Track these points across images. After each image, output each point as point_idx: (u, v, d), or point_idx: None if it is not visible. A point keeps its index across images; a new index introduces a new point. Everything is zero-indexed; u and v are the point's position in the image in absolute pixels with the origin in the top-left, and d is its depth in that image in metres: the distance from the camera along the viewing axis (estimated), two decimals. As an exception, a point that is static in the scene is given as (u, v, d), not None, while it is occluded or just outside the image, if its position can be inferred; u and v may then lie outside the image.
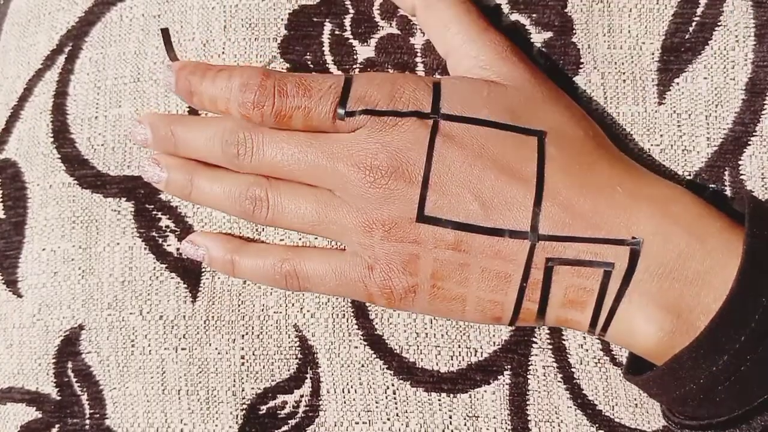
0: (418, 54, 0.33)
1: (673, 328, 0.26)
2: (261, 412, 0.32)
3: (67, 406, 0.33)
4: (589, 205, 0.27)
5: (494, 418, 0.31)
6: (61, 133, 0.34)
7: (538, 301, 0.28)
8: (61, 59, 0.34)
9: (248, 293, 0.32)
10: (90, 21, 0.34)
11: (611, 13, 0.32)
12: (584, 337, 0.32)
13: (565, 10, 0.32)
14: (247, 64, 0.33)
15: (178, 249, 0.33)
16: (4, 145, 0.35)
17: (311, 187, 0.30)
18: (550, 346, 0.32)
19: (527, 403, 0.31)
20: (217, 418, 0.32)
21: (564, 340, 0.32)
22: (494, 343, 0.32)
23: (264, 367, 0.32)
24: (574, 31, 0.32)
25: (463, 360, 0.32)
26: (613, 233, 0.27)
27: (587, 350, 0.31)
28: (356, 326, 0.32)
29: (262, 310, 0.32)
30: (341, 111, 0.28)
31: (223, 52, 0.33)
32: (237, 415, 0.32)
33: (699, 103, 0.32)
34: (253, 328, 0.32)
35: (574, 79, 0.32)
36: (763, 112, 0.32)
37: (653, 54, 0.32)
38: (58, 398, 0.33)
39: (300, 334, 0.32)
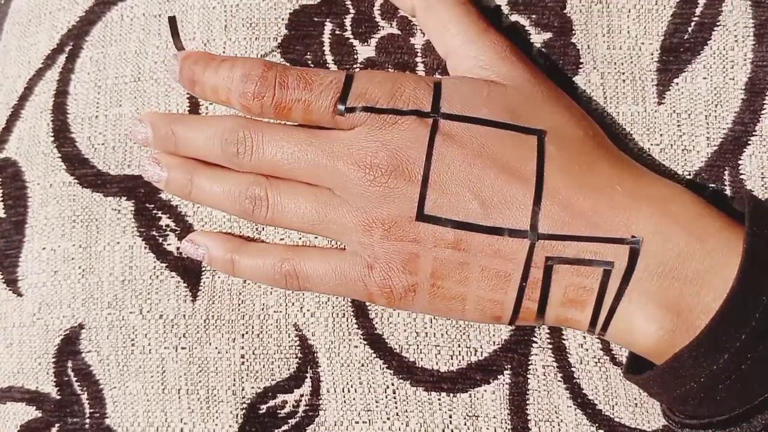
0: (419, 54, 0.33)
1: (673, 327, 0.26)
2: (261, 412, 0.32)
3: (67, 406, 0.32)
4: (589, 204, 0.27)
5: (494, 417, 0.31)
6: (61, 133, 0.34)
7: (538, 300, 0.28)
8: (61, 58, 0.34)
9: (248, 292, 0.32)
10: (91, 20, 0.34)
11: (610, 13, 0.32)
12: (584, 337, 0.32)
13: (565, 11, 0.32)
14: (248, 63, 0.33)
15: (178, 248, 0.33)
16: (4, 144, 0.35)
17: (311, 186, 0.30)
18: (550, 346, 0.32)
19: (527, 402, 0.31)
20: (217, 418, 0.32)
21: (564, 339, 0.32)
22: (494, 342, 0.32)
23: (264, 367, 0.32)
24: (573, 32, 0.32)
25: (463, 359, 0.32)
26: (612, 232, 0.27)
27: (587, 350, 0.31)
28: (356, 325, 0.32)
29: (262, 309, 0.32)
30: (341, 107, 0.29)
31: (223, 52, 0.33)
32: (237, 415, 0.32)
33: (698, 103, 0.32)
34: (253, 328, 0.32)
35: (573, 79, 0.32)
36: (762, 112, 0.32)
37: (652, 54, 0.32)
38: (58, 397, 0.33)
39: (300, 333, 0.32)
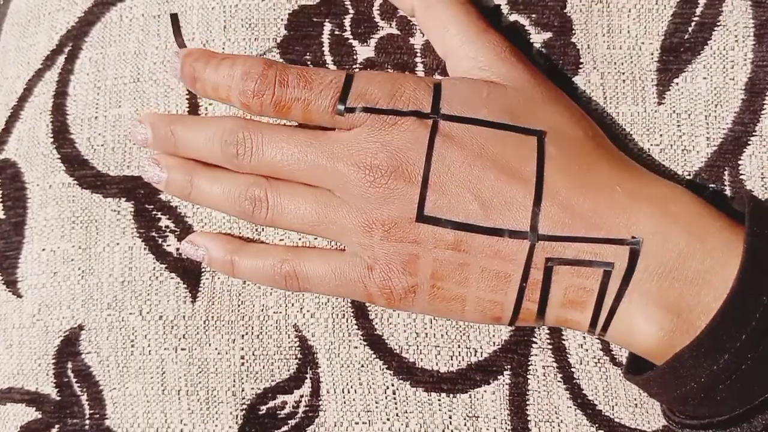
0: (418, 54, 0.33)
1: (674, 327, 0.26)
2: (261, 413, 0.32)
3: (67, 407, 0.32)
4: (589, 204, 0.27)
5: (494, 418, 0.31)
6: (60, 134, 0.34)
7: (538, 301, 0.28)
8: (60, 59, 0.34)
9: (248, 293, 0.32)
10: (90, 21, 0.34)
11: (610, 13, 0.32)
12: (584, 337, 0.32)
13: (565, 11, 0.32)
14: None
15: (177, 249, 0.33)
16: (3, 145, 0.35)
17: (311, 187, 0.30)
18: (550, 346, 0.32)
19: (527, 403, 0.31)
20: (216, 419, 0.32)
21: (564, 340, 0.32)
22: (494, 343, 0.32)
23: (264, 368, 0.32)
24: (573, 32, 0.32)
25: (462, 360, 0.32)
26: (612, 233, 0.27)
27: (587, 350, 0.31)
28: (356, 326, 0.32)
29: (262, 310, 0.32)
30: (341, 107, 0.29)
31: (222, 52, 0.33)
32: (237, 416, 0.32)
33: (698, 103, 0.32)
34: (252, 329, 0.32)
35: (573, 79, 0.32)
36: (762, 112, 0.32)
37: (652, 54, 0.32)
38: (58, 398, 0.33)
39: (300, 334, 0.32)
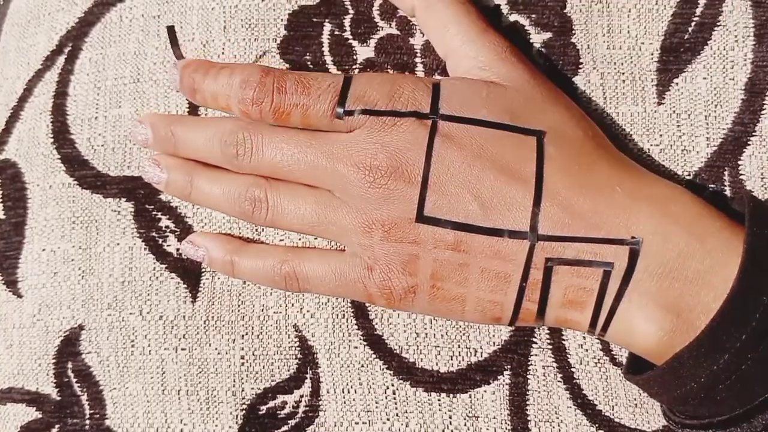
0: (418, 54, 0.33)
1: (673, 327, 0.26)
2: (261, 413, 0.32)
3: (67, 407, 0.32)
4: (589, 205, 0.27)
5: (494, 418, 0.31)
6: (61, 134, 0.34)
7: (538, 302, 0.28)
8: (60, 60, 0.34)
9: (248, 293, 0.32)
10: (90, 21, 0.34)
11: (610, 13, 0.32)
12: (584, 337, 0.32)
13: (565, 11, 0.32)
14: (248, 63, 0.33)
15: (178, 249, 0.33)
16: (4, 145, 0.35)
17: (311, 187, 0.30)
18: (550, 346, 0.32)
19: (527, 403, 0.31)
20: (217, 419, 0.32)
21: (564, 340, 0.32)
22: (494, 343, 0.32)
23: (264, 368, 0.32)
24: (573, 32, 0.32)
25: (462, 360, 0.32)
26: (612, 233, 0.27)
27: (587, 350, 0.31)
28: (356, 326, 0.32)
29: (262, 310, 0.32)
30: (339, 110, 0.29)
31: (222, 53, 0.33)
32: (237, 416, 0.32)
33: (698, 103, 0.32)
34: (252, 329, 0.32)
35: (573, 79, 0.32)
36: (762, 112, 0.32)
37: (652, 54, 0.32)
38: (58, 398, 0.33)
39: (300, 334, 0.32)
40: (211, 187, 0.31)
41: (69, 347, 0.33)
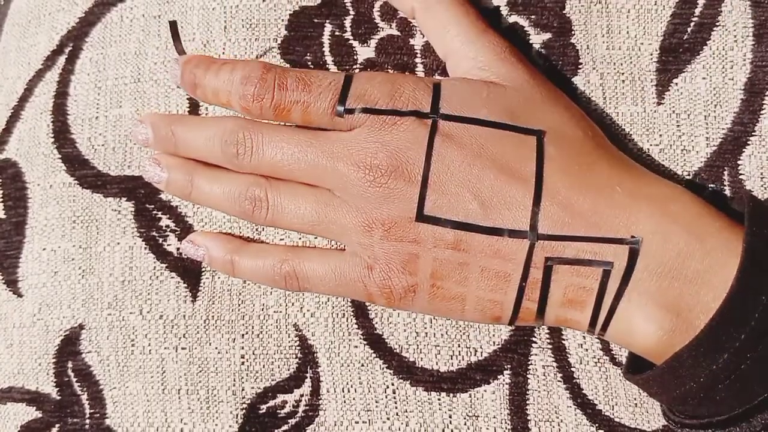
0: (418, 55, 0.33)
1: (673, 327, 0.26)
2: (261, 412, 0.32)
3: (67, 406, 0.33)
4: (589, 204, 0.27)
5: (494, 417, 0.31)
6: (61, 134, 0.34)
7: (538, 301, 0.28)
8: (61, 60, 0.34)
9: (248, 293, 0.32)
10: (90, 21, 0.34)
11: (610, 13, 0.33)
12: (584, 337, 0.32)
13: (564, 11, 0.32)
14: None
15: (178, 249, 0.33)
16: (4, 145, 0.35)
17: (311, 187, 0.30)
18: (550, 346, 0.32)
19: (527, 402, 0.31)
20: (217, 418, 0.32)
21: (564, 339, 0.32)
22: (494, 342, 0.32)
23: (264, 367, 0.32)
24: (572, 32, 0.32)
25: (462, 359, 0.32)
26: (612, 232, 0.27)
27: (587, 350, 0.31)
28: (356, 325, 0.32)
29: (262, 309, 0.32)
30: (340, 108, 0.29)
31: (223, 53, 0.33)
32: (237, 415, 0.32)
33: (698, 103, 0.32)
34: (253, 328, 0.32)
35: (572, 79, 0.32)
36: (761, 112, 0.32)
37: (652, 54, 0.32)
38: (58, 398, 0.33)
39: (300, 333, 0.32)
40: (212, 187, 0.31)
41: (69, 346, 0.33)
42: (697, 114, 0.32)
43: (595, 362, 0.31)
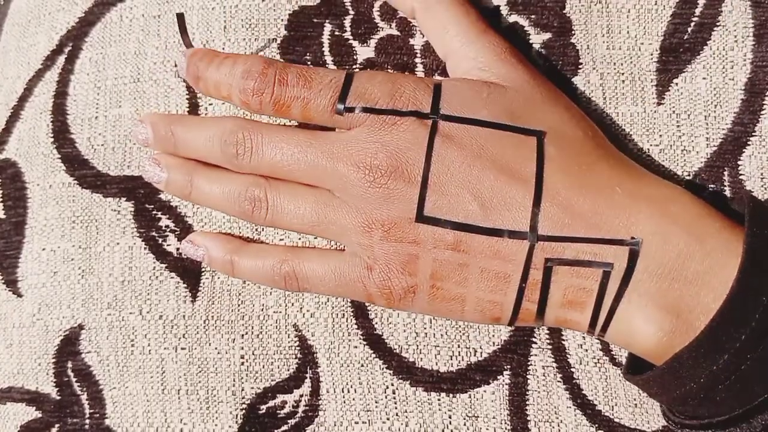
0: (418, 55, 0.33)
1: (673, 328, 0.26)
2: (261, 412, 0.32)
3: (67, 406, 0.33)
4: (589, 205, 0.27)
5: (494, 418, 0.31)
6: (61, 134, 0.34)
7: (537, 302, 0.28)
8: (61, 59, 0.34)
9: (248, 293, 0.32)
10: (90, 21, 0.34)
11: (610, 13, 0.32)
12: (584, 337, 0.32)
13: (564, 11, 0.32)
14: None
15: (178, 249, 0.33)
16: (4, 145, 0.35)
17: (310, 187, 0.30)
18: (550, 346, 0.32)
19: (527, 403, 0.31)
20: (216, 418, 0.32)
21: (563, 340, 0.32)
22: (494, 343, 0.32)
23: (264, 367, 0.32)
24: (572, 32, 0.32)
25: (462, 360, 0.32)
26: (612, 233, 0.27)
27: (587, 350, 0.31)
28: (356, 326, 0.32)
29: (262, 309, 0.32)
30: (340, 106, 0.29)
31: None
32: (237, 415, 0.32)
33: (698, 104, 0.32)
34: (252, 328, 0.32)
35: (573, 79, 0.32)
36: (762, 113, 0.32)
37: (652, 54, 0.32)
38: (58, 398, 0.33)
39: (299, 333, 0.32)
40: (211, 187, 0.31)
41: (69, 347, 0.33)
42: (697, 114, 0.32)
43: (595, 363, 0.31)
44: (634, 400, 0.31)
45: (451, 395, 0.32)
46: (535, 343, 0.32)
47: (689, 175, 0.32)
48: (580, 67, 0.32)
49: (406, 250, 0.28)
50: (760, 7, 0.32)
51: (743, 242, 0.26)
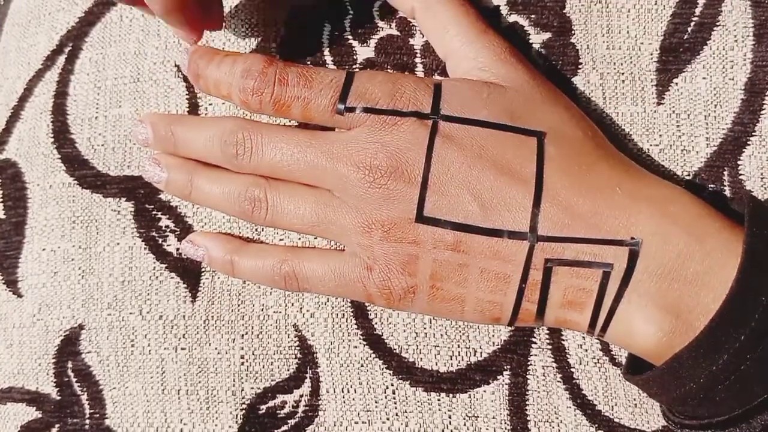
0: (418, 55, 0.33)
1: (672, 328, 0.26)
2: (261, 412, 0.32)
3: (67, 406, 0.33)
4: (589, 205, 0.27)
5: (494, 418, 0.31)
6: (61, 134, 0.34)
7: (537, 302, 0.28)
8: (61, 59, 0.34)
9: (248, 293, 0.32)
10: (90, 21, 0.34)
11: (610, 13, 0.32)
12: (583, 338, 0.32)
13: (564, 11, 0.32)
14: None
15: (177, 249, 0.33)
16: (4, 145, 0.35)
17: (310, 187, 0.30)
18: (550, 346, 0.32)
19: (526, 403, 0.31)
20: (216, 418, 0.32)
21: (563, 340, 0.32)
22: (493, 343, 0.32)
23: (263, 367, 0.32)
24: (572, 32, 0.32)
25: (462, 360, 0.32)
26: (612, 234, 0.27)
27: (586, 350, 0.31)
28: (356, 326, 0.32)
29: (262, 309, 0.32)
30: (340, 106, 0.29)
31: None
32: (237, 415, 0.32)
33: (698, 103, 0.32)
34: (252, 328, 0.32)
35: (572, 79, 0.32)
36: (762, 112, 0.32)
37: (652, 54, 0.32)
38: (58, 398, 0.33)
39: (299, 333, 0.32)
40: (211, 187, 0.31)
41: (69, 347, 0.33)
42: (697, 114, 0.32)
43: (595, 363, 0.31)
44: (634, 400, 0.31)
45: (450, 395, 0.32)
46: (535, 343, 0.32)
47: (689, 175, 0.32)
48: (580, 67, 0.32)
49: (405, 251, 0.28)
50: (760, 7, 0.32)
51: (743, 242, 0.26)
